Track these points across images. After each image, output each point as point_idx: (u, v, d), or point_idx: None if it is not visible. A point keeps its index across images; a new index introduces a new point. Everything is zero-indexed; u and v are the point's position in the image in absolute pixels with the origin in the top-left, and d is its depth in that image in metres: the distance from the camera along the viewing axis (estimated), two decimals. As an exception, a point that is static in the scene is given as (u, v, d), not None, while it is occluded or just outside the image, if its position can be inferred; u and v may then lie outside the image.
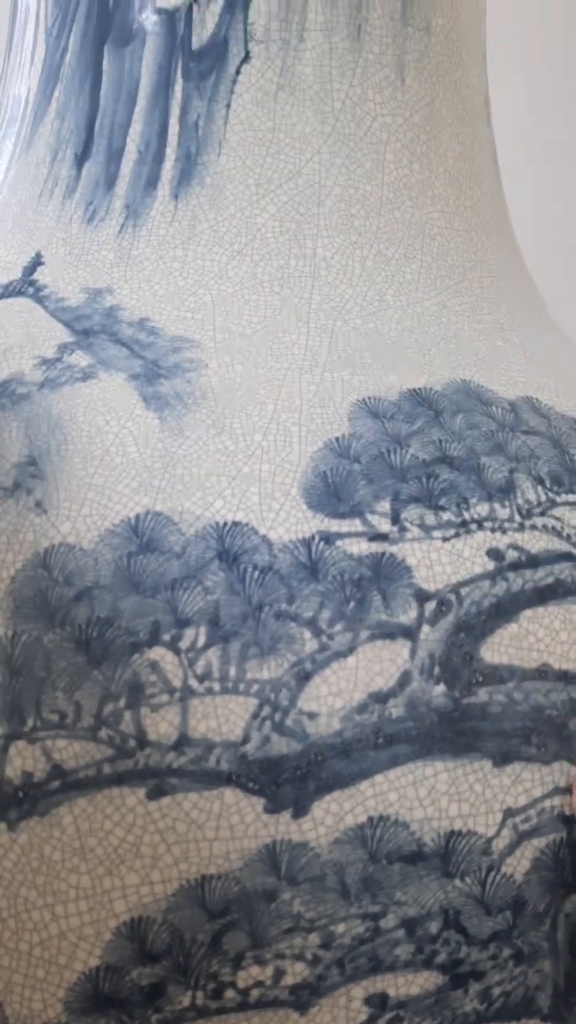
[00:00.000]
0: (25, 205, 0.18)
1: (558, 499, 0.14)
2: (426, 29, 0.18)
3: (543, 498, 0.14)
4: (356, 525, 0.13)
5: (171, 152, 0.17)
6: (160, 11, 0.17)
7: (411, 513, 0.13)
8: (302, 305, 0.16)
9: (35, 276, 0.17)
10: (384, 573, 0.13)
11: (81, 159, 0.18)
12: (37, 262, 0.17)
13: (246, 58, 0.17)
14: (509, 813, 0.13)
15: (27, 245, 0.17)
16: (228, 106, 0.17)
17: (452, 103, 0.19)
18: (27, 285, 0.17)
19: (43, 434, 0.14)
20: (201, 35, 0.17)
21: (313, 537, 0.13)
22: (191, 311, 0.16)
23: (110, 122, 0.17)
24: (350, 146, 0.17)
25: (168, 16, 0.17)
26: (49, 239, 0.17)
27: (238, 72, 0.17)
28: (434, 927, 0.12)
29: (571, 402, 0.16)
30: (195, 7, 0.17)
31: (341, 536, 0.13)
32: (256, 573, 0.12)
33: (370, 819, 0.12)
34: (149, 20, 0.17)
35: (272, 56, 0.17)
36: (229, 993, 0.12)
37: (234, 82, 0.17)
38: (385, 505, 0.13)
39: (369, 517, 0.13)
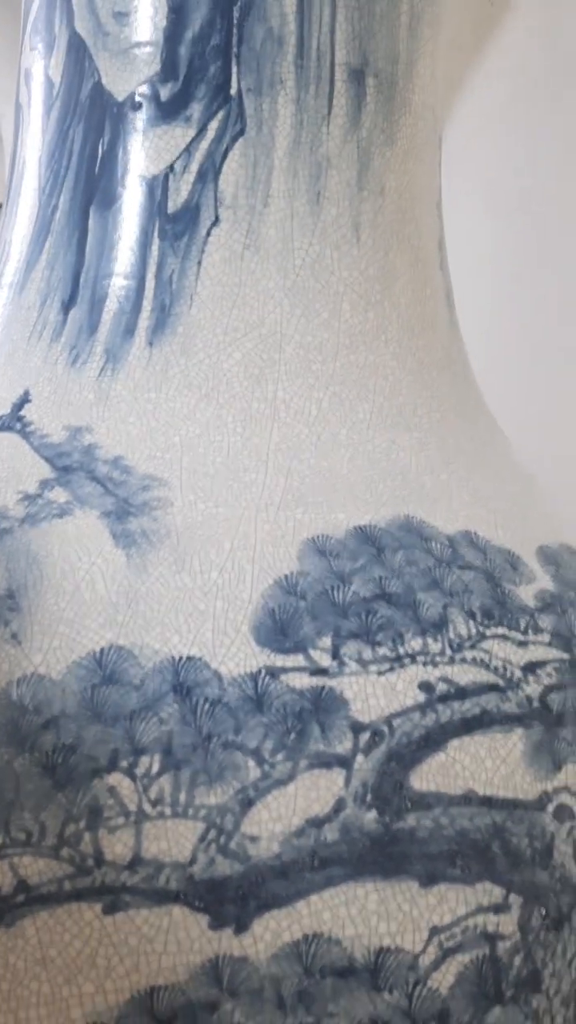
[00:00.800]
0: (16, 344, 0.20)
1: (487, 632, 0.16)
2: (380, 192, 0.20)
3: (473, 632, 0.16)
4: (299, 660, 0.14)
5: (147, 303, 0.19)
6: (140, 178, 0.19)
7: (349, 648, 0.15)
8: (262, 445, 0.18)
9: (23, 412, 0.19)
10: (323, 706, 0.14)
11: (67, 306, 0.19)
12: (25, 399, 0.19)
13: (216, 222, 0.19)
14: (435, 931, 0.14)
15: (17, 383, 0.19)
16: (199, 263, 0.19)
17: (405, 254, 0.21)
18: (15, 421, 0.19)
19: (21, 569, 0.15)
20: (176, 200, 0.19)
21: (260, 671, 0.14)
22: (161, 451, 0.17)
23: (94, 274, 0.19)
24: (309, 298, 0.19)
25: (147, 183, 0.19)
26: (37, 378, 0.19)
27: (208, 234, 0.19)
28: (364, 1037, 0.13)
29: (508, 535, 0.18)
30: (171, 176, 0.19)
31: (285, 671, 0.14)
32: (207, 705, 0.14)
33: (305, 936, 0.13)
34: (130, 186, 0.19)
35: (239, 220, 0.19)
36: None
37: (205, 242, 0.19)
38: (327, 641, 0.15)
39: (311, 652, 0.15)
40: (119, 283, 0.19)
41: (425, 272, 0.21)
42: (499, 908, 0.14)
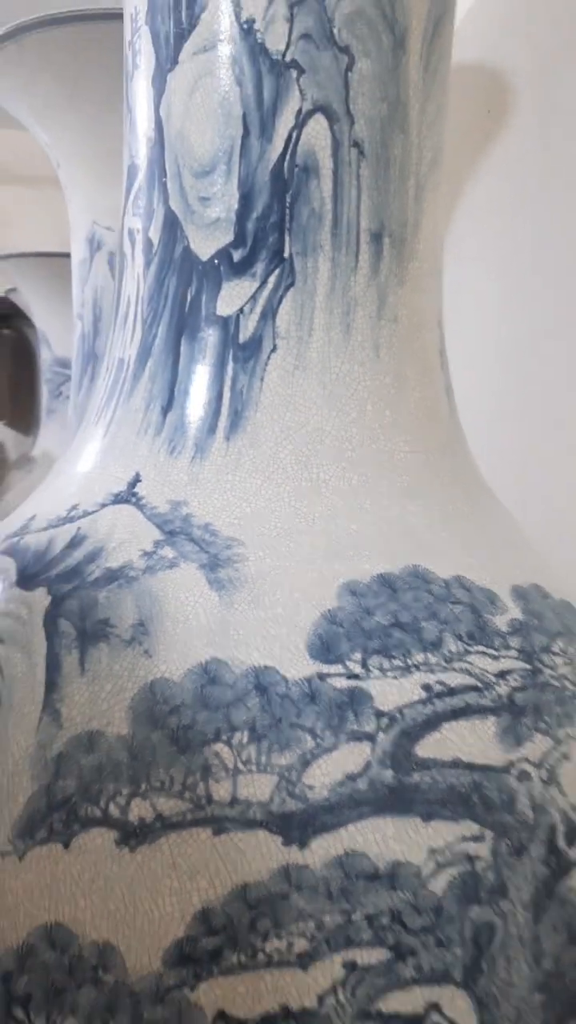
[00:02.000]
0: (127, 439, 0.27)
1: (471, 649, 0.22)
2: (394, 320, 0.27)
3: (461, 649, 0.22)
4: (339, 668, 0.21)
5: (224, 409, 0.26)
6: (219, 318, 0.26)
7: (373, 660, 0.21)
8: (309, 514, 0.24)
9: (136, 489, 0.26)
10: (355, 699, 0.21)
11: (166, 410, 0.26)
12: (137, 479, 0.26)
13: (274, 349, 0.26)
14: (432, 852, 0.20)
15: (128, 467, 0.26)
16: (262, 379, 0.26)
17: (414, 365, 0.27)
18: (131, 495, 0.25)
19: (147, 606, 0.22)
20: (245, 334, 0.26)
21: (312, 676, 0.21)
22: (238, 519, 0.24)
23: (184, 387, 0.26)
24: (342, 403, 0.26)
25: (223, 321, 0.26)
26: (144, 464, 0.26)
27: (268, 358, 0.26)
28: (384, 920, 0.20)
29: (489, 578, 0.25)
30: (241, 316, 0.26)
31: (329, 676, 0.21)
32: (278, 698, 0.21)
33: (345, 852, 0.20)
34: (211, 323, 0.26)
35: (290, 347, 0.26)
36: (260, 957, 0.19)
37: (266, 364, 0.26)
38: (358, 655, 0.21)
39: (347, 663, 0.21)
40: (204, 395, 0.26)
41: (429, 376, 0.28)
42: (477, 839, 0.21)
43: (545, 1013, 0.21)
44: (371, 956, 0.20)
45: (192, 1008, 0.19)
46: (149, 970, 0.20)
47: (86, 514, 0.25)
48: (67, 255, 0.92)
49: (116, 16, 0.47)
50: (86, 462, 0.27)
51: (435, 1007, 0.20)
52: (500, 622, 0.23)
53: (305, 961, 0.19)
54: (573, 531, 0.40)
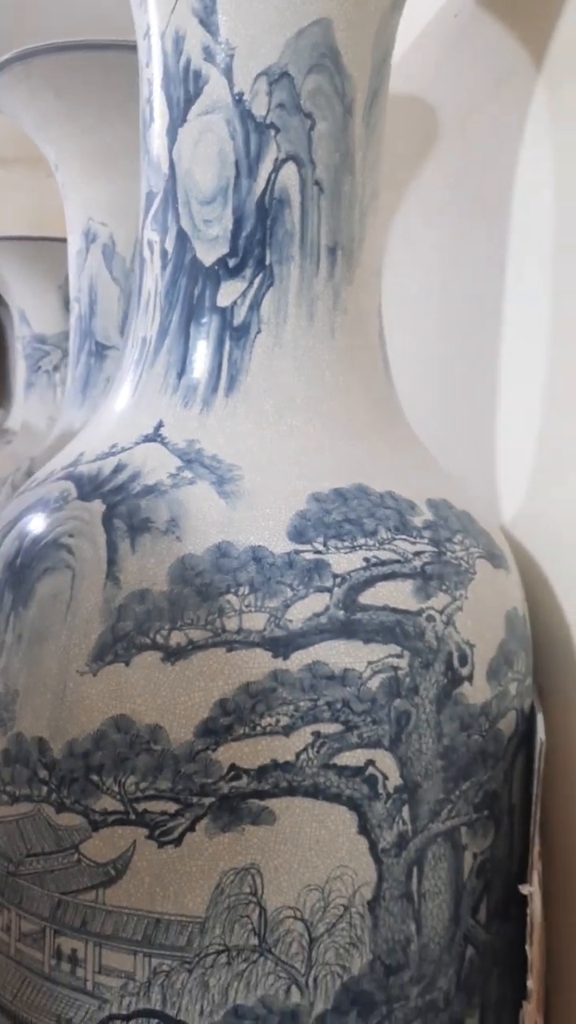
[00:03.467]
0: (151, 396, 0.37)
1: (396, 537, 0.33)
2: (345, 311, 0.37)
3: (389, 537, 0.33)
4: (308, 547, 0.31)
5: (224, 375, 0.36)
6: (218, 308, 0.36)
7: (331, 543, 0.32)
8: (286, 450, 0.35)
9: (160, 432, 0.35)
10: (319, 567, 0.31)
11: (180, 375, 0.36)
12: (160, 425, 0.36)
13: (259, 331, 0.36)
14: (369, 663, 0.31)
15: (154, 416, 0.36)
16: (250, 354, 0.36)
17: (359, 342, 0.38)
18: (157, 436, 0.35)
19: (176, 508, 0.32)
20: (237, 320, 0.36)
21: (291, 552, 0.31)
22: (236, 452, 0.34)
23: (194, 359, 0.36)
24: (308, 371, 0.36)
25: (221, 311, 0.36)
26: (165, 414, 0.36)
27: (255, 338, 0.36)
28: (339, 706, 0.30)
29: (411, 492, 0.35)
30: (234, 307, 0.36)
31: (302, 552, 0.31)
32: (268, 566, 0.31)
33: (313, 662, 0.30)
34: (213, 312, 0.36)
35: (270, 331, 0.36)
36: (258, 729, 0.30)
37: (253, 343, 0.36)
38: (320, 539, 0.32)
39: (314, 544, 0.32)
40: (208, 364, 0.36)
41: (371, 351, 0.38)
42: (399, 656, 0.31)
43: (444, 773, 0.32)
44: (330, 728, 0.30)
45: (213, 763, 0.30)
46: (185, 740, 0.30)
47: (124, 449, 0.35)
48: (47, 239, 1.00)
49: (110, 46, 0.56)
50: (119, 413, 0.37)
51: (371, 763, 0.31)
52: (417, 521, 0.34)
53: (287, 731, 0.30)
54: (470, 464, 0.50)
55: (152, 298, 0.38)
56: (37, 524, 0.34)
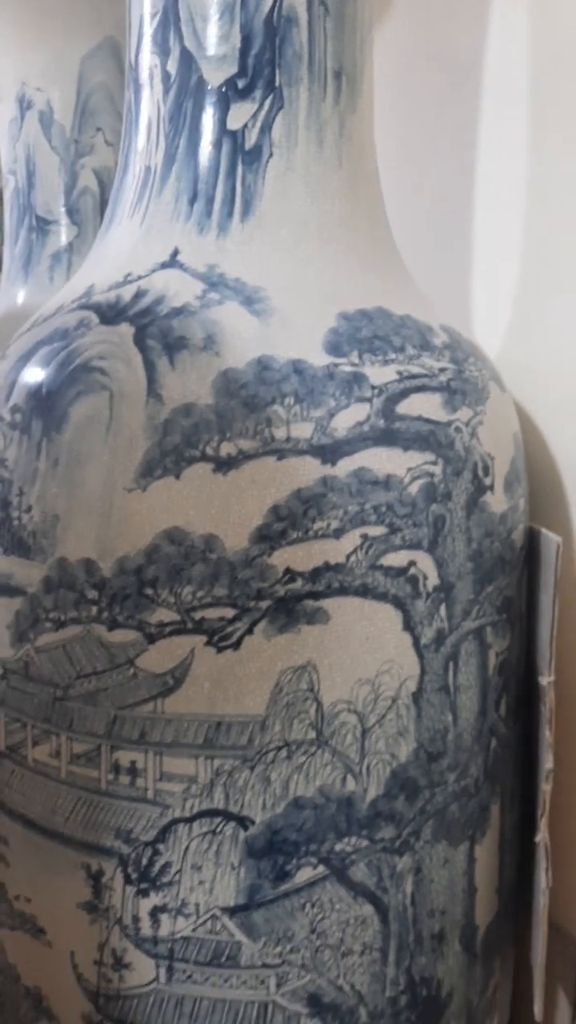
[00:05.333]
0: (162, 225, 0.36)
1: (422, 354, 0.34)
2: (349, 139, 0.37)
3: (416, 353, 0.34)
4: (345, 360, 0.32)
5: (238, 200, 0.35)
6: (229, 131, 0.35)
7: (365, 357, 0.33)
8: (304, 275, 0.35)
9: (177, 259, 0.35)
10: (358, 379, 0.32)
11: (192, 201, 0.36)
12: (176, 251, 0.35)
13: (271, 155, 0.35)
14: (408, 469, 0.32)
15: (168, 244, 0.35)
16: (263, 178, 0.35)
17: (362, 169, 0.38)
18: (175, 262, 0.35)
19: (210, 326, 0.32)
20: (249, 143, 0.35)
21: (329, 364, 0.32)
22: (257, 276, 0.34)
23: (205, 184, 0.35)
24: (318, 197, 0.36)
25: (233, 134, 0.35)
26: (179, 241, 0.35)
27: (267, 162, 0.35)
28: (383, 509, 0.31)
29: (424, 317, 0.36)
30: (246, 130, 0.35)
31: (340, 365, 0.32)
32: (310, 377, 0.31)
33: (358, 468, 0.31)
34: (224, 136, 0.35)
35: (282, 154, 0.35)
36: (310, 533, 0.31)
37: (265, 166, 0.35)
38: (356, 354, 0.32)
39: (350, 358, 0.32)
40: (222, 188, 0.35)
41: (373, 184, 0.39)
42: (433, 463, 0.33)
43: (473, 576, 0.34)
44: (376, 531, 0.32)
45: (269, 567, 0.31)
46: (241, 547, 0.31)
47: (140, 278, 0.35)
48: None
49: None
50: (127, 245, 0.36)
51: (413, 563, 0.32)
52: (437, 342, 0.35)
53: (338, 534, 0.31)
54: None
55: (154, 125, 0.36)
56: (60, 352, 0.34)
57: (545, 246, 0.42)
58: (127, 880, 0.33)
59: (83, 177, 0.64)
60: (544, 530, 0.38)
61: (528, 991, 0.39)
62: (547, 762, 0.36)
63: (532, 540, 0.38)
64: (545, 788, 0.36)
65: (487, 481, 0.35)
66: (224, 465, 0.31)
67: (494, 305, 0.46)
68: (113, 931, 0.33)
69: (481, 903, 0.37)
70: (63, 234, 0.65)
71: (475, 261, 0.48)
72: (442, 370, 0.34)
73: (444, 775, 0.34)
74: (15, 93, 0.62)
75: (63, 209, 0.64)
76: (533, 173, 0.43)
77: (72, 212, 0.64)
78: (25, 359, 0.35)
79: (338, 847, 0.32)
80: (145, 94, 0.37)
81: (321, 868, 0.32)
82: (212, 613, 0.31)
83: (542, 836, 0.36)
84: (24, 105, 0.62)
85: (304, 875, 0.32)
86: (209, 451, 0.31)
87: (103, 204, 0.65)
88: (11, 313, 0.65)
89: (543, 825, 0.36)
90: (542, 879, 0.36)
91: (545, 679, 0.36)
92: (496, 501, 0.35)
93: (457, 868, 0.35)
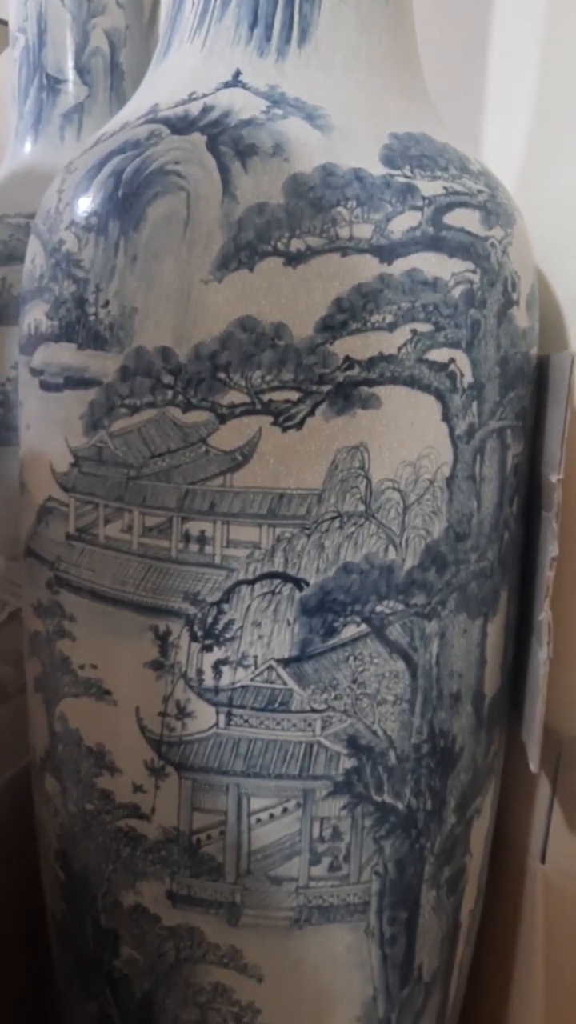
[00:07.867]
0: (223, 50, 0.38)
1: (463, 176, 0.38)
2: (396, -20, 0.40)
3: (459, 174, 0.37)
4: (399, 172, 0.36)
5: (295, 27, 0.38)
6: (288, -40, 0.38)
7: (416, 171, 0.36)
8: (356, 101, 0.38)
9: (240, 79, 0.38)
10: (411, 189, 0.35)
11: (252, 27, 0.38)
12: (238, 73, 0.38)
13: (327, -14, 0.38)
14: (453, 274, 0.36)
15: (230, 66, 0.38)
16: (319, 8, 0.38)
17: (405, 11, 0.41)
18: (238, 82, 0.37)
19: (277, 136, 0.35)
20: (306, -27, 0.38)
21: (386, 174, 0.35)
22: (315, 97, 0.37)
23: (264, 12, 0.38)
24: (369, 27, 0.39)
25: (292, -37, 0.38)
26: (241, 63, 0.38)
27: (323, -7, 0.38)
28: (431, 308, 0.35)
29: (462, 147, 0.40)
30: (304, -40, 0.38)
31: (395, 176, 0.35)
32: (370, 184, 0.35)
33: (411, 268, 0.35)
34: (284, -37, 0.38)
35: (337, -14, 0.38)
36: (367, 325, 0.34)
37: (322, -2, 0.38)
38: (408, 168, 0.36)
39: (404, 171, 0.36)
40: (280, 16, 0.38)
41: (410, 23, 0.41)
42: (473, 272, 0.37)
43: (500, 380, 0.38)
44: (424, 327, 0.36)
45: (331, 355, 0.34)
46: (306, 335, 0.34)
47: (205, 96, 0.37)
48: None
49: None
50: (189, 67, 0.39)
51: (453, 360, 0.36)
52: (473, 168, 0.39)
53: (391, 327, 0.35)
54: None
55: (215, -48, 0.39)
56: (134, 159, 0.36)
57: (560, 100, 0.46)
58: (192, 638, 0.37)
59: (95, 37, 0.65)
60: (555, 353, 0.42)
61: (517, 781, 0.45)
62: (553, 551, 0.41)
63: (540, 368, 0.43)
64: (549, 574, 0.41)
65: (514, 296, 0.39)
66: (294, 259, 0.34)
67: (507, 145, 0.50)
68: (178, 684, 0.38)
69: (489, 674, 0.42)
70: (73, 93, 0.66)
71: (487, 109, 0.51)
72: (479, 191, 0.38)
73: (467, 554, 0.39)
74: (28, -53, 0.62)
75: (73, 68, 0.65)
76: (551, 16, 0.46)
77: (83, 72, 0.65)
78: (97, 168, 0.38)
79: (378, 608, 0.37)
80: None
81: (364, 626, 0.37)
82: (279, 395, 0.35)
83: (545, 615, 0.41)
84: (38, -41, 0.62)
85: (349, 632, 0.37)
86: (280, 246, 0.34)
87: (114, 66, 0.66)
88: (20, 169, 0.66)
89: (546, 606, 0.41)
90: (544, 651, 0.42)
91: (555, 476, 0.41)
92: (520, 316, 0.39)
93: (473, 639, 0.40)
